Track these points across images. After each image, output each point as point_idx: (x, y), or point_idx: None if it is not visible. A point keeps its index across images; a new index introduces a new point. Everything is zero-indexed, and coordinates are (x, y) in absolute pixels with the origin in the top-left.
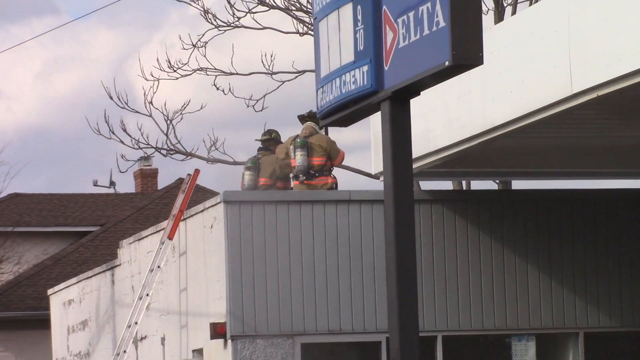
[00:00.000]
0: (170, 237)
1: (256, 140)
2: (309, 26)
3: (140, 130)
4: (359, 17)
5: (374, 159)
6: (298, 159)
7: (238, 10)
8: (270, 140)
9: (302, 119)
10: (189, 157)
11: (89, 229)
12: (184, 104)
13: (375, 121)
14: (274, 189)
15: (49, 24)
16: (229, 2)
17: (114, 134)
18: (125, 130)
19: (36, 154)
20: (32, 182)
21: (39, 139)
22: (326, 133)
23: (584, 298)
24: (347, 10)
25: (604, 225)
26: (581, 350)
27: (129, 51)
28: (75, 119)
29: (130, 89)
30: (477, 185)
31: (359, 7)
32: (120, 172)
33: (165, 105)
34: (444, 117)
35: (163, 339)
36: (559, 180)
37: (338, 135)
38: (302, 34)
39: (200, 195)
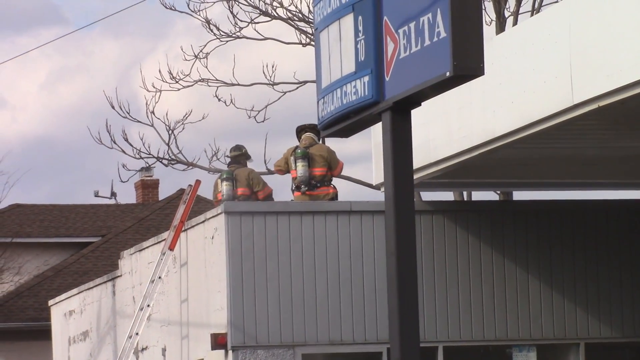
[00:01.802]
0: (171, 248)
1: (226, 156)
2: (311, 36)
3: (142, 140)
4: (360, 28)
5: (375, 170)
6: (299, 169)
7: (240, 21)
8: (241, 155)
9: (302, 130)
10: (190, 167)
11: (90, 240)
12: (186, 114)
13: (376, 132)
14: (251, 199)
15: (57, 34)
16: (231, 12)
17: (115, 143)
18: (127, 140)
19: (39, 164)
20: (34, 193)
21: (42, 149)
22: (324, 143)
23: (584, 308)
24: (348, 21)
25: (604, 235)
26: None
27: (134, 61)
28: (79, 129)
29: (135, 98)
30: (478, 195)
31: (359, 17)
32: (122, 181)
33: (167, 115)
34: (445, 128)
35: (164, 350)
36: (560, 190)
37: (341, 146)
38: (304, 45)
39: (201, 206)
